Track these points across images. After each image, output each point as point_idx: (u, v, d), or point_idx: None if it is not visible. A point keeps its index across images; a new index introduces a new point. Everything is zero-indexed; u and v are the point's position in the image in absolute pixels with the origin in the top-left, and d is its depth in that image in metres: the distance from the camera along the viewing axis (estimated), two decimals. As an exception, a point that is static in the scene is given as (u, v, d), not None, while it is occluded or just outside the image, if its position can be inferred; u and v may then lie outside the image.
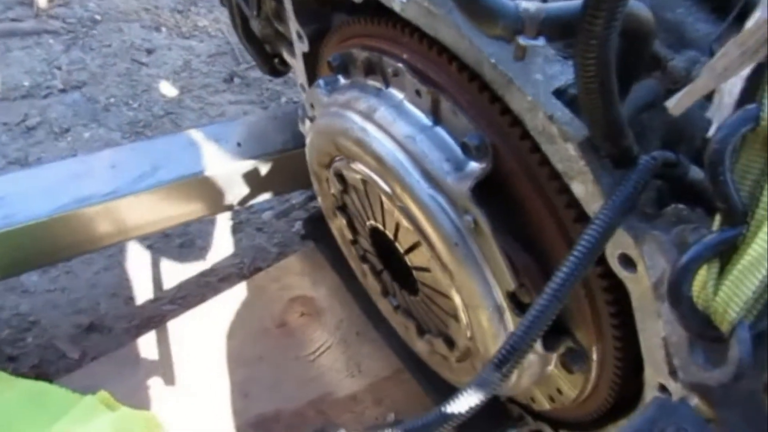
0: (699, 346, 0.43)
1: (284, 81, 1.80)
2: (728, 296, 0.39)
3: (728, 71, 0.44)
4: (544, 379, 0.72)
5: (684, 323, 0.40)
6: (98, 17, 1.98)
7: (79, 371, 1.15)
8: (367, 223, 0.82)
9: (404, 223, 0.69)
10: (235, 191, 1.22)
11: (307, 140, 0.86)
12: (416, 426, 0.52)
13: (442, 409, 0.51)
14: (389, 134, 0.66)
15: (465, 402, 0.50)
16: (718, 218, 0.40)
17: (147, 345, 1.18)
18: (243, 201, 1.25)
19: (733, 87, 0.45)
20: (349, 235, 0.90)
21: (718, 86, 0.46)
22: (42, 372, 1.23)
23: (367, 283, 0.97)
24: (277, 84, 1.82)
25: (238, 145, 1.22)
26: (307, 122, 0.88)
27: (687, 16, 0.66)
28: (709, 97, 0.52)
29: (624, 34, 0.53)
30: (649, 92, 0.61)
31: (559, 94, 0.53)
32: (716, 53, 0.46)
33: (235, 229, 1.47)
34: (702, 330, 0.40)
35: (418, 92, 0.65)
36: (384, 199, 0.71)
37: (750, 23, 0.42)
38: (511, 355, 0.49)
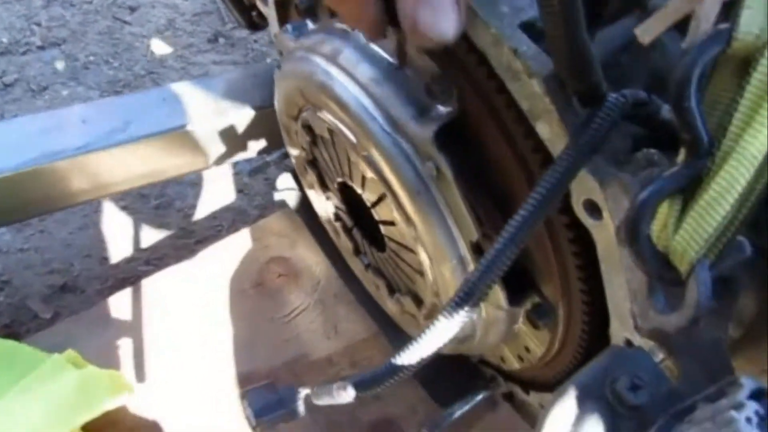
0: (659, 290, 0.40)
1: (269, 42, 1.75)
2: (689, 234, 0.36)
3: (703, -6, 0.40)
4: (512, 336, 0.70)
5: (641, 265, 0.38)
6: (80, -27, 1.92)
7: (48, 330, 1.13)
8: (336, 180, 0.79)
9: (369, 173, 0.66)
10: (211, 149, 1.19)
11: (276, 90, 0.82)
12: (366, 378, 0.50)
13: (393, 360, 0.48)
14: (353, 78, 0.63)
15: (416, 353, 0.47)
16: (682, 151, 0.37)
17: (119, 304, 1.15)
18: (220, 160, 1.21)
19: (709, 11, 0.41)
20: (320, 191, 0.87)
21: (694, 11, 0.42)
22: (13, 332, 1.21)
23: (340, 242, 0.94)
24: (262, 45, 1.77)
25: (215, 101, 1.18)
26: (277, 72, 0.85)
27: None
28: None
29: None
30: (627, 31, 0.57)
31: (526, 27, 0.50)
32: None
33: (214, 191, 1.44)
34: (660, 272, 0.37)
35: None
36: (349, 150, 0.68)
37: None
38: (465, 302, 0.46)
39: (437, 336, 0.47)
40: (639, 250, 0.37)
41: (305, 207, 1.17)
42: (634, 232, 0.37)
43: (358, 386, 0.51)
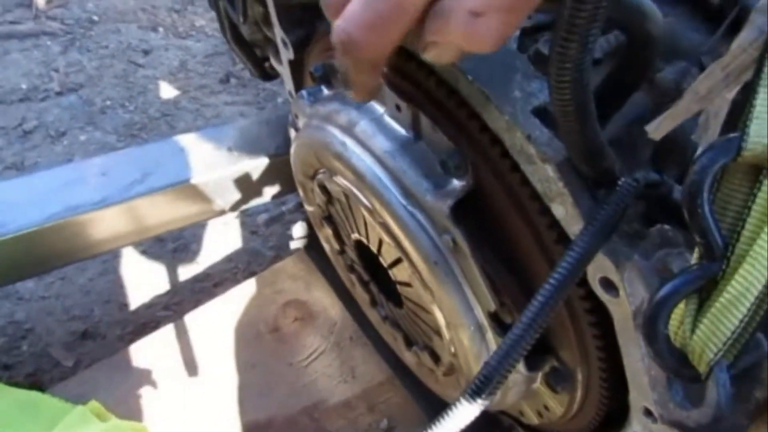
0: (678, 382, 0.41)
1: (280, 81, 1.77)
2: (706, 335, 0.37)
3: (712, 94, 0.41)
4: (530, 394, 0.71)
5: (659, 361, 0.39)
6: (96, 18, 1.97)
7: (71, 379, 1.15)
8: (352, 236, 0.80)
9: (385, 238, 0.67)
10: (227, 196, 1.21)
11: (292, 151, 0.84)
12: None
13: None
14: (369, 149, 0.65)
15: (440, 433, 0.48)
16: (696, 251, 0.38)
17: (139, 352, 1.17)
18: (235, 206, 1.23)
19: (719, 110, 0.43)
20: (335, 246, 0.89)
21: (704, 108, 0.43)
22: (37, 380, 1.23)
23: (356, 292, 0.95)
24: (273, 84, 1.79)
25: (230, 149, 1.21)
26: (293, 131, 0.87)
27: (678, 24, 0.64)
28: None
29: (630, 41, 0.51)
30: (637, 106, 0.59)
31: (538, 112, 0.51)
32: (705, 68, 0.44)
33: (230, 234, 1.46)
34: (678, 369, 0.38)
35: (398, 107, 0.63)
36: (365, 213, 0.69)
37: (734, 45, 0.39)
38: (485, 386, 0.47)
39: (458, 419, 0.48)
40: (657, 348, 0.38)
41: (319, 250, 1.19)
42: (651, 330, 0.38)
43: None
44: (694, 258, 0.39)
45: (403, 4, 0.38)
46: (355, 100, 0.55)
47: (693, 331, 0.37)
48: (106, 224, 1.13)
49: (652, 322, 0.38)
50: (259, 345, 1.21)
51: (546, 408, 0.71)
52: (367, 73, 0.46)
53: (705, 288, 0.38)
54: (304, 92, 0.77)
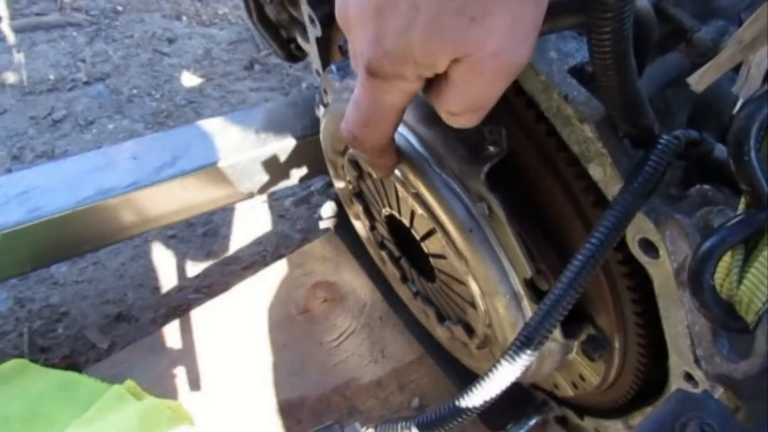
0: (723, 336, 0.40)
1: (304, 66, 1.78)
2: (754, 285, 0.36)
3: (757, 42, 0.41)
4: (566, 365, 0.71)
5: (705, 313, 0.38)
6: (120, 8, 1.99)
7: (106, 360, 1.17)
8: (383, 210, 0.80)
9: (418, 209, 0.67)
10: (256, 179, 1.22)
11: (322, 126, 0.84)
12: (430, 420, 0.51)
13: (456, 402, 0.49)
14: (401, 119, 0.64)
15: (479, 396, 0.49)
16: (742, 201, 0.38)
17: (172, 334, 1.19)
18: (264, 188, 1.24)
19: (761, 59, 0.42)
20: (366, 222, 0.89)
21: (746, 58, 0.43)
22: (73, 362, 1.26)
23: (387, 269, 0.95)
24: (297, 69, 1.80)
25: (257, 132, 1.21)
26: (322, 108, 0.87)
27: (714, -17, 0.63)
28: (737, 70, 0.49)
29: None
30: (674, 67, 0.58)
31: (575, 72, 0.51)
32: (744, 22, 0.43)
33: (258, 217, 1.47)
34: (726, 320, 0.38)
35: (429, 74, 0.62)
36: (398, 185, 0.69)
37: (779, -11, 0.38)
38: (525, 347, 0.47)
39: (500, 380, 0.48)
40: (703, 299, 0.38)
41: (348, 230, 1.20)
42: (697, 282, 0.38)
43: (422, 427, 0.52)
44: (740, 207, 0.38)
45: (381, 107, 0.46)
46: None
47: (740, 281, 0.37)
48: (137, 207, 1.15)
49: (698, 274, 0.38)
50: (290, 326, 1.22)
51: (582, 378, 0.71)
52: (379, 157, 0.55)
53: (752, 238, 0.37)
54: (333, 67, 0.77)
